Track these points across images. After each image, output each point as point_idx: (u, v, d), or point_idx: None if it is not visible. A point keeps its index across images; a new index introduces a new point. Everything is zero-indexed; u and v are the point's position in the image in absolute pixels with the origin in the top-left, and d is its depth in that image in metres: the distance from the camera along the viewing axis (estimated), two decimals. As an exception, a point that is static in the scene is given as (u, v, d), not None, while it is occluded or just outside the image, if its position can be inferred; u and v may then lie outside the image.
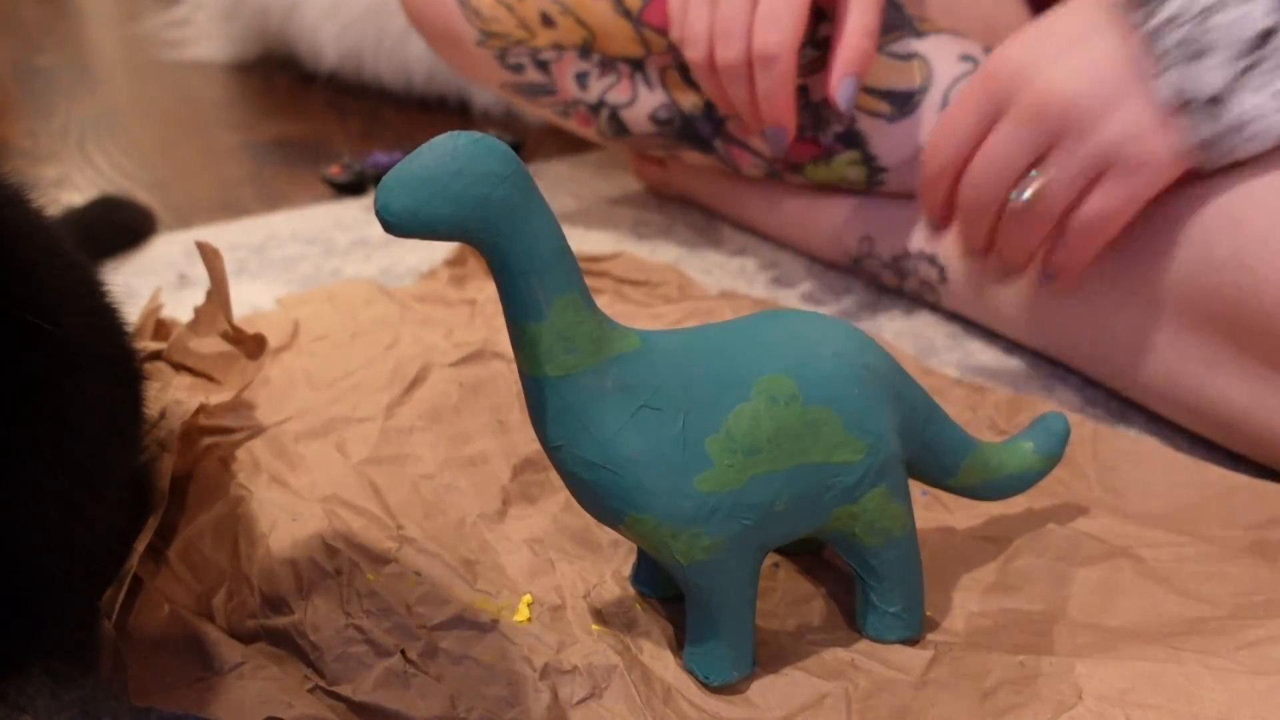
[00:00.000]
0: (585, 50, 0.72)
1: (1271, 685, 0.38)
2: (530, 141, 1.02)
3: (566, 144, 1.01)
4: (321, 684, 0.39)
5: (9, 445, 0.36)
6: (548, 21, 0.71)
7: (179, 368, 0.57)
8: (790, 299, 0.73)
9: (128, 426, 0.46)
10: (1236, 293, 0.52)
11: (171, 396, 0.55)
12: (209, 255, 0.51)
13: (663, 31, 0.70)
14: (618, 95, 0.74)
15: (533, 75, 0.74)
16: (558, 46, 0.72)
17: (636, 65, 0.72)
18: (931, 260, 0.68)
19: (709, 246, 0.80)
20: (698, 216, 0.85)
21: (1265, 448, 0.53)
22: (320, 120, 1.15)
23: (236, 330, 0.54)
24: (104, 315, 0.45)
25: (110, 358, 0.44)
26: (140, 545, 0.43)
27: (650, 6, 0.70)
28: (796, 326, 0.39)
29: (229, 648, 0.40)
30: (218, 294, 0.53)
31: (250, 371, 0.55)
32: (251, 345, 0.55)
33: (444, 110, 1.15)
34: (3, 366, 0.35)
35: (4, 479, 0.36)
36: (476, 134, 0.33)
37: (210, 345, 0.56)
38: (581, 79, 0.73)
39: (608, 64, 0.73)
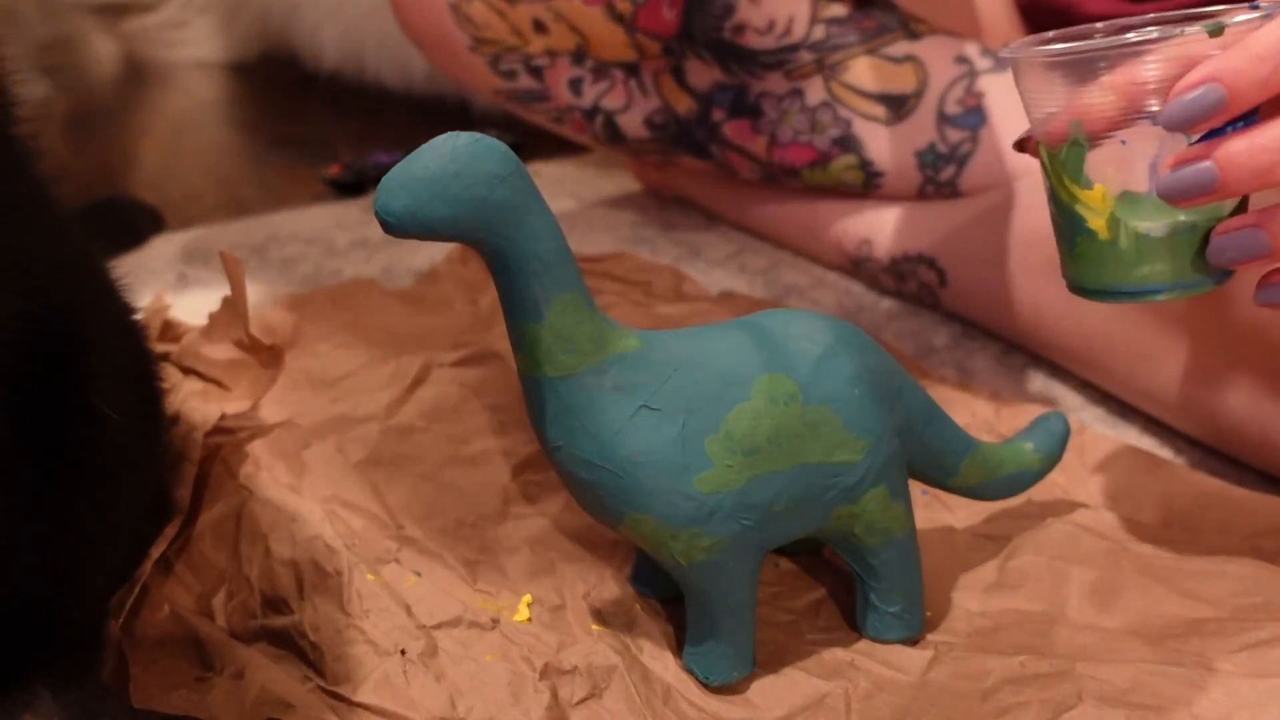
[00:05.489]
0: (579, 56, 0.72)
1: (1271, 687, 0.38)
2: (530, 141, 1.02)
3: (566, 144, 1.01)
4: (321, 684, 0.39)
5: (40, 460, 0.36)
6: (540, 28, 0.70)
7: (188, 372, 0.57)
8: (790, 299, 0.73)
9: (150, 437, 0.46)
10: (1232, 306, 0.52)
11: (182, 402, 0.55)
12: (230, 264, 0.51)
13: (656, 36, 0.70)
14: (612, 101, 0.73)
15: (526, 82, 0.74)
16: (551, 52, 0.72)
17: (631, 70, 0.72)
18: (931, 264, 0.68)
19: (709, 246, 0.80)
20: (698, 217, 0.85)
21: (1264, 454, 0.53)
22: (320, 120, 1.15)
23: (253, 339, 0.54)
24: (126, 323, 0.45)
25: (132, 369, 0.44)
26: (156, 552, 0.44)
27: (644, 11, 0.69)
28: (796, 326, 0.39)
29: (229, 648, 0.41)
30: (237, 302, 0.53)
31: (265, 381, 0.55)
32: (267, 355, 0.55)
33: (444, 110, 1.15)
34: (35, 383, 0.35)
35: (34, 492, 0.36)
36: (476, 134, 0.33)
37: (222, 352, 0.57)
38: (575, 85, 0.73)
39: (601, 69, 0.72)
